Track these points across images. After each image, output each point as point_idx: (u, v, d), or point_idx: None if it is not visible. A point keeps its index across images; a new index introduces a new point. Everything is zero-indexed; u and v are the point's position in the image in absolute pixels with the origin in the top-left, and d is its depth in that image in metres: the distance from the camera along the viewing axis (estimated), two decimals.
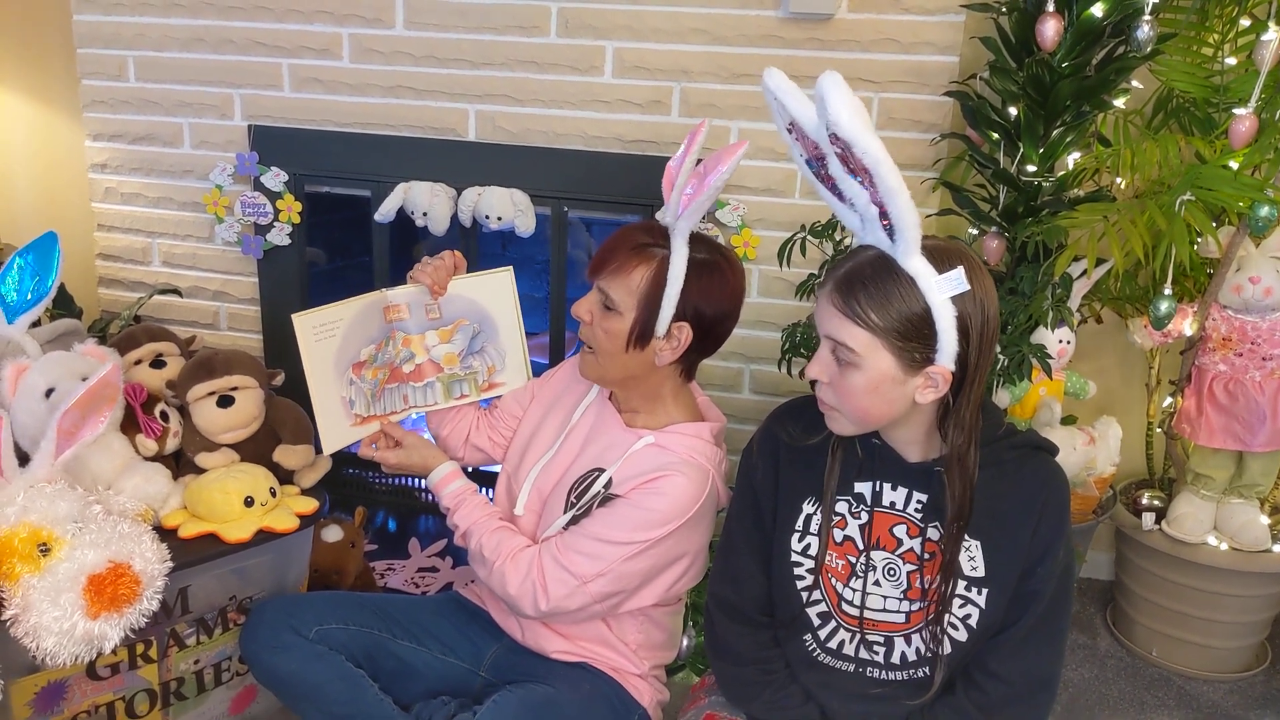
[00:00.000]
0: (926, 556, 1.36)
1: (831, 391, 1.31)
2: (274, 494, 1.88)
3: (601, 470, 1.61)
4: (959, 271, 1.21)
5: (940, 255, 1.23)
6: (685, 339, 1.56)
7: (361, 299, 1.75)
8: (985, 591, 1.34)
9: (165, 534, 1.74)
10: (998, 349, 2.05)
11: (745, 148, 1.55)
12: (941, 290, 1.21)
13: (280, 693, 1.65)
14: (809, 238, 2.13)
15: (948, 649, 1.37)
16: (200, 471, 1.90)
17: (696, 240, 1.57)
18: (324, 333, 1.71)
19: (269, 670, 1.62)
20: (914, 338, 1.23)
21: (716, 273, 1.56)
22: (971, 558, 1.34)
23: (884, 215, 1.21)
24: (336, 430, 1.77)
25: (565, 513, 1.62)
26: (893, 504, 1.38)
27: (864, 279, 1.24)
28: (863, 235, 1.28)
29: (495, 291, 1.86)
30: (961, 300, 1.22)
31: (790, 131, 1.29)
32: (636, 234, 1.57)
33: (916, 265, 1.22)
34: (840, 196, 1.28)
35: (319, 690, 1.59)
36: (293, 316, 1.68)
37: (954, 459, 1.29)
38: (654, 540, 1.54)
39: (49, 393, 1.75)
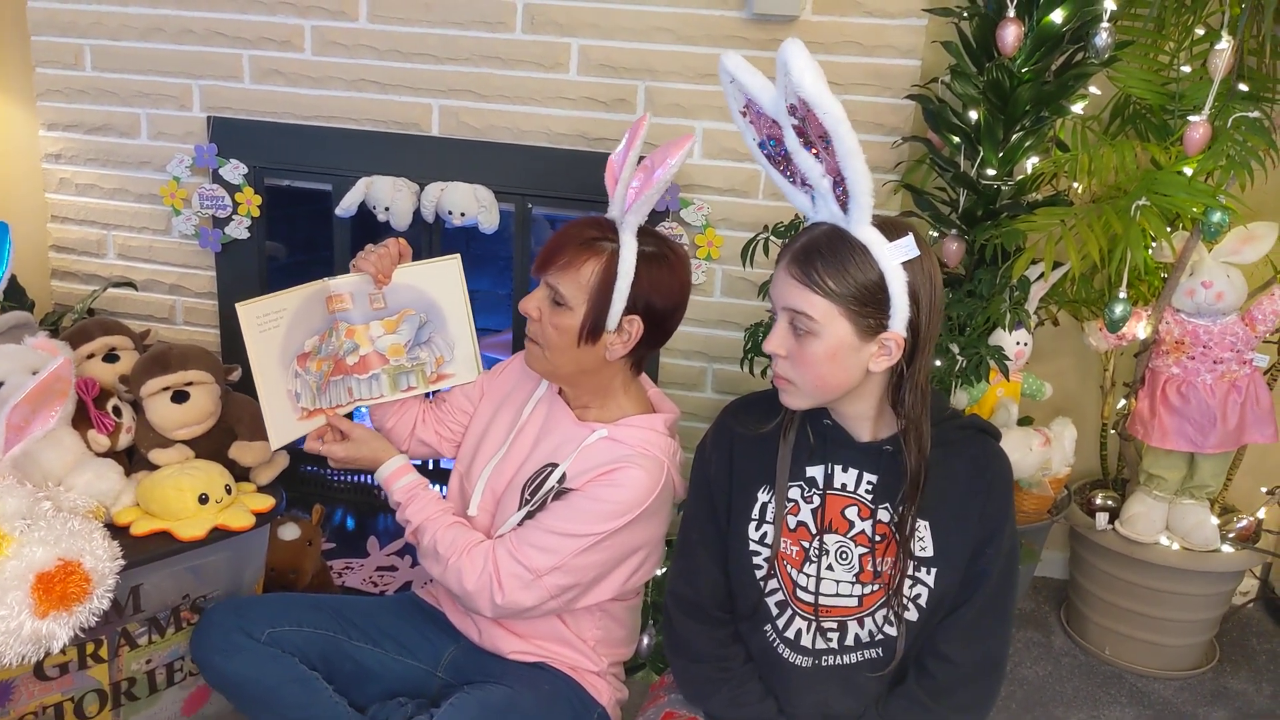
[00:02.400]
0: (878, 539, 1.38)
1: (790, 364, 1.33)
2: (229, 491, 1.85)
3: (555, 465, 1.61)
4: (909, 239, 1.27)
5: (889, 226, 1.29)
6: (636, 332, 1.56)
7: (304, 288, 1.72)
8: (934, 571, 1.37)
9: (117, 531, 1.72)
10: (956, 350, 2.07)
11: (692, 141, 1.55)
12: (894, 256, 1.26)
13: (232, 697, 1.63)
14: (772, 238, 2.14)
15: (902, 628, 1.39)
16: (154, 468, 1.87)
17: (643, 233, 1.57)
18: (268, 323, 1.68)
19: (220, 674, 1.60)
20: (870, 303, 1.27)
21: (665, 265, 1.56)
22: (920, 538, 1.37)
23: (838, 185, 1.26)
24: (283, 424, 1.74)
25: (519, 509, 1.61)
26: (844, 486, 1.40)
27: (820, 249, 1.28)
28: (814, 214, 1.33)
29: (442, 280, 1.83)
30: (911, 269, 1.27)
31: (744, 114, 1.33)
32: (584, 229, 1.57)
33: (868, 234, 1.27)
34: (792, 178, 1.33)
35: (272, 693, 1.57)
36: (237, 306, 1.65)
37: (910, 426, 1.33)
38: (609, 532, 1.54)
39: None
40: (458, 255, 1.84)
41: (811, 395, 1.35)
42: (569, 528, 1.53)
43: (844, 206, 1.26)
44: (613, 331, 1.55)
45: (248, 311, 1.65)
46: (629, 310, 1.54)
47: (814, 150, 1.25)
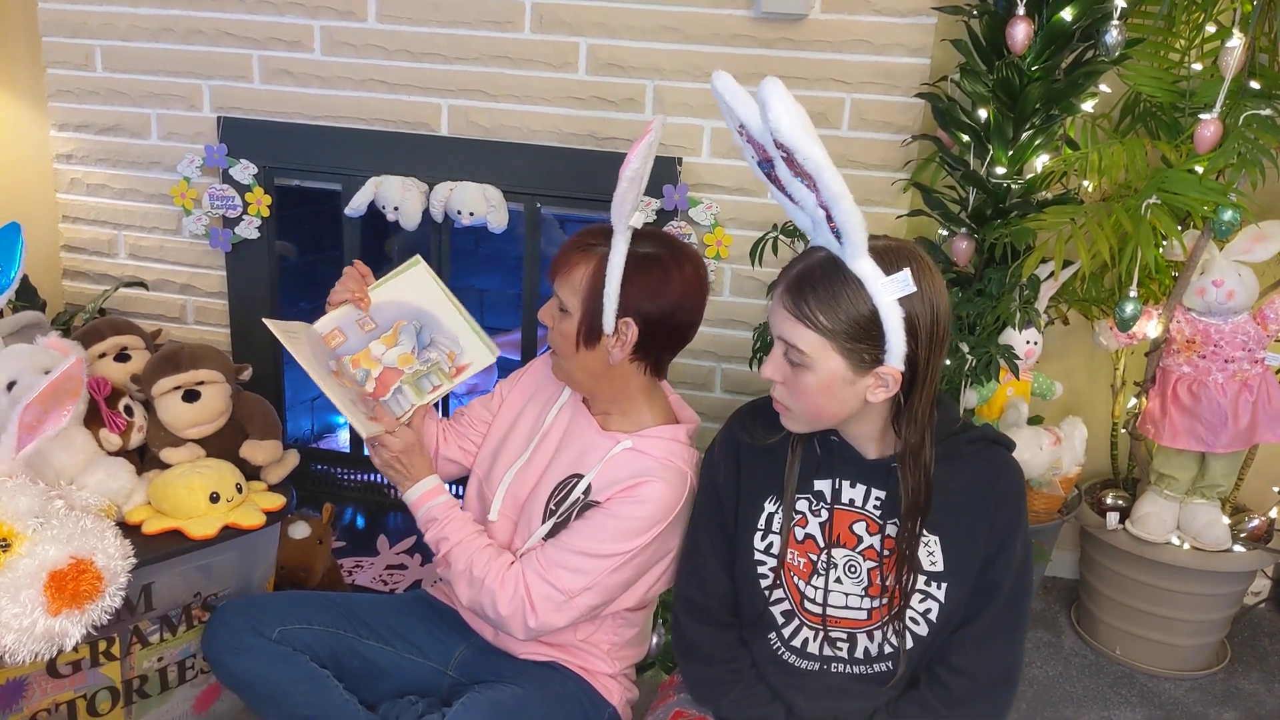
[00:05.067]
0: (886, 553, 1.37)
1: (785, 391, 1.33)
2: (240, 490, 1.86)
3: (580, 476, 1.60)
4: (905, 274, 1.23)
5: (888, 256, 1.24)
6: (632, 336, 1.54)
7: (306, 328, 1.73)
8: (944, 585, 1.36)
9: (129, 530, 1.72)
10: (966, 349, 2.07)
11: (651, 134, 1.48)
12: (888, 292, 1.23)
13: (244, 695, 1.63)
14: (781, 237, 2.14)
15: (909, 643, 1.38)
16: (165, 467, 1.88)
17: (643, 236, 1.55)
18: (293, 338, 1.69)
19: (231, 673, 1.60)
20: (863, 339, 1.25)
21: (658, 267, 1.53)
22: (930, 552, 1.36)
23: (830, 218, 1.23)
24: (360, 419, 1.67)
25: (545, 521, 1.61)
26: (852, 501, 1.39)
27: (813, 281, 1.26)
28: (814, 236, 1.30)
29: (415, 285, 1.83)
30: (909, 301, 1.23)
31: (741, 133, 1.30)
32: (585, 235, 1.57)
33: (864, 267, 1.23)
34: (791, 198, 1.29)
35: (282, 692, 1.57)
36: (265, 320, 1.66)
37: (908, 455, 1.31)
38: (638, 549, 1.54)
39: (11, 386, 1.73)
40: (418, 256, 1.84)
41: (808, 423, 1.35)
42: (598, 548, 1.53)
43: (839, 238, 1.24)
44: (610, 335, 1.54)
45: (275, 325, 1.66)
46: (623, 313, 1.52)
47: (807, 182, 1.22)
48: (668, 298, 1.54)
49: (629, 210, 1.51)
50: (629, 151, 1.49)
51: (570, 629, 1.63)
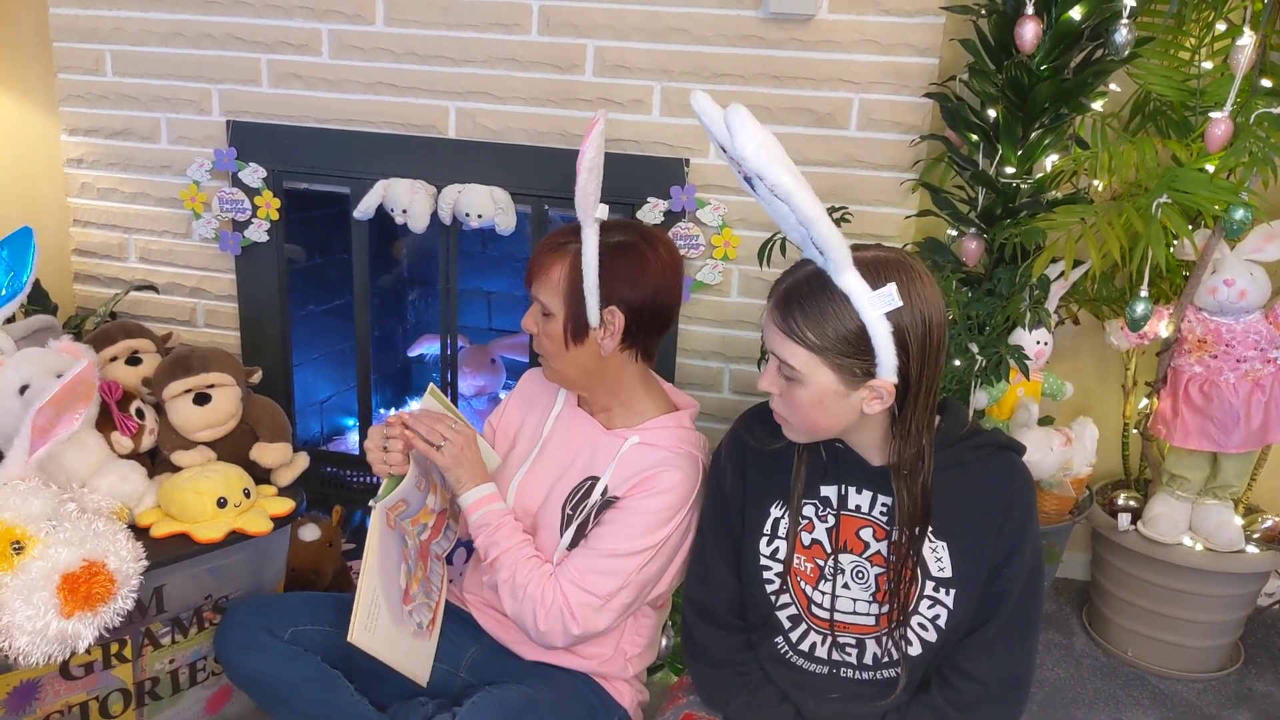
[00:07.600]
0: (893, 559, 1.36)
1: (782, 403, 1.33)
2: (248, 495, 1.86)
3: (595, 479, 1.61)
4: (890, 288, 1.22)
5: (875, 269, 1.23)
6: (619, 324, 1.55)
7: (372, 534, 1.58)
8: (953, 592, 1.35)
9: (140, 533, 1.73)
10: (976, 349, 2.06)
11: (600, 125, 1.49)
12: (874, 307, 1.22)
13: (255, 695, 1.64)
14: (789, 238, 2.13)
15: (918, 649, 1.38)
16: (176, 469, 1.89)
17: (611, 226, 1.56)
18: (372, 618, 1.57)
19: (243, 673, 1.61)
20: (852, 354, 1.24)
21: (632, 253, 1.55)
22: (939, 558, 1.35)
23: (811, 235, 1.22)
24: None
25: (566, 527, 1.61)
26: (858, 507, 1.39)
27: (800, 298, 1.26)
28: (804, 249, 1.29)
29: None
30: (898, 314, 1.22)
31: (725, 151, 1.29)
32: (554, 236, 1.58)
33: (849, 282, 1.23)
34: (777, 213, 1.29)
35: (294, 692, 1.57)
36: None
37: (901, 468, 1.30)
38: (663, 540, 1.55)
39: (23, 389, 1.74)
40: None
41: (805, 434, 1.35)
42: (626, 546, 1.53)
43: (823, 254, 1.23)
44: (597, 327, 1.55)
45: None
46: (605, 303, 1.54)
47: (784, 202, 1.21)
48: (647, 281, 1.56)
49: (593, 202, 1.52)
50: (581, 145, 1.50)
51: (605, 634, 1.63)
